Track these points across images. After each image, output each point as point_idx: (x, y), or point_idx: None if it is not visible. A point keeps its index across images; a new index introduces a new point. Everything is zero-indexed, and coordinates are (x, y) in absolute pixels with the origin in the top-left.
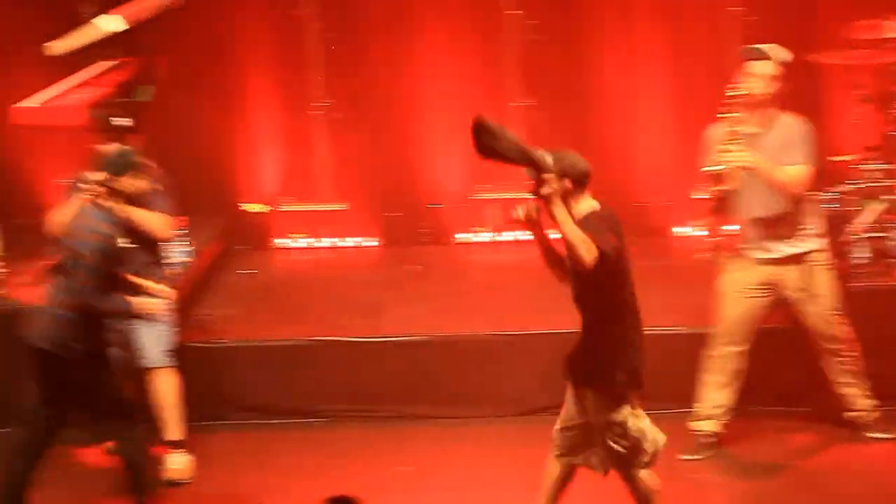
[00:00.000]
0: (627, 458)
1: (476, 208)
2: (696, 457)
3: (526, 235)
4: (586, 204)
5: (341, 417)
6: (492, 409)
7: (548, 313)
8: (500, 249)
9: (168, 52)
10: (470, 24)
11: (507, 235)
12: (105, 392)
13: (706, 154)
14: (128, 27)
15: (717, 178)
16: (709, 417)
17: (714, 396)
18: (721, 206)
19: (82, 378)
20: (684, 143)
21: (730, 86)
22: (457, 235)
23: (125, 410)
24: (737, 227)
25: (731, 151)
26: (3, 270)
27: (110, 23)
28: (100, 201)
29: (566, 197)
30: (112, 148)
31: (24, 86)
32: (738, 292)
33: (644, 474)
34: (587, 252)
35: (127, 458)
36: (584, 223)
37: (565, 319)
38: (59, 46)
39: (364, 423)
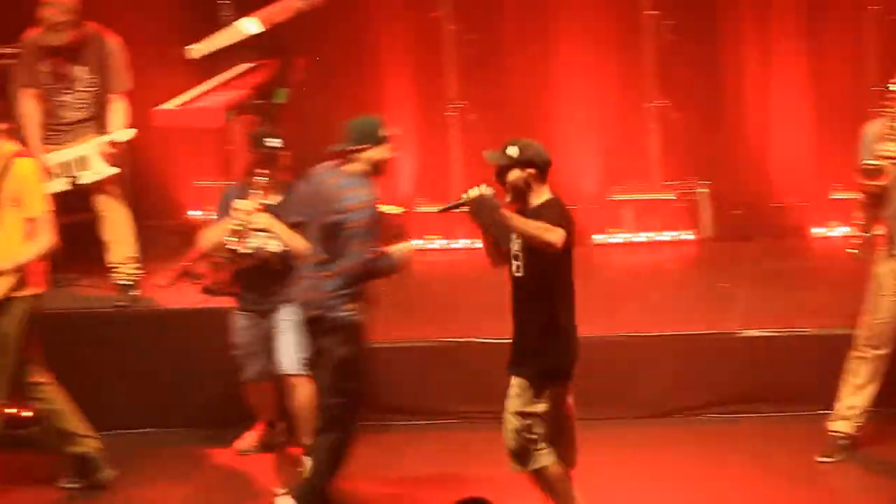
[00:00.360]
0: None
1: (613, 209)
2: (830, 459)
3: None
4: (545, 193)
5: (477, 418)
6: (627, 410)
7: (684, 313)
8: (637, 251)
9: (306, 53)
10: (606, 24)
11: (644, 236)
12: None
13: (862, 150)
14: (266, 29)
15: (873, 173)
16: (844, 418)
17: (851, 398)
18: (874, 203)
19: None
20: (821, 143)
21: (891, 81)
22: (594, 237)
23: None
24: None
25: (888, 147)
26: (139, 272)
27: (249, 25)
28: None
29: (530, 184)
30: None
31: (165, 88)
32: (887, 294)
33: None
34: (554, 235)
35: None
36: (542, 209)
37: (700, 320)
38: (198, 49)
39: (491, 424)
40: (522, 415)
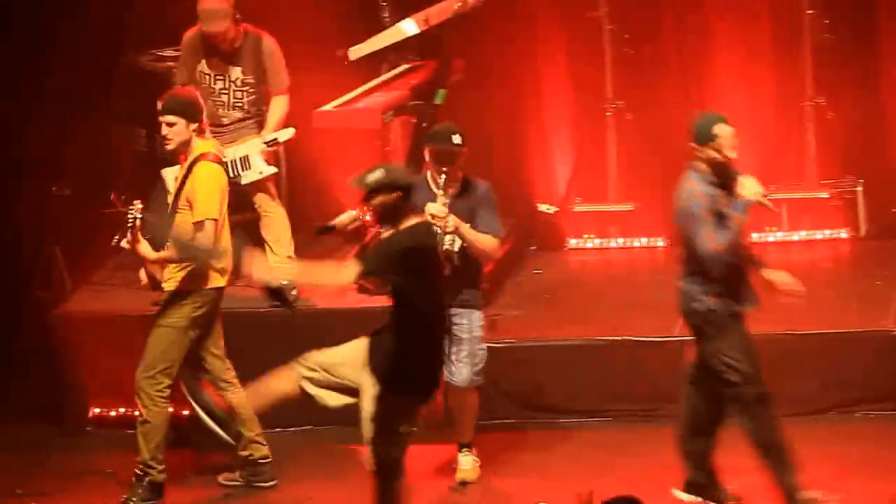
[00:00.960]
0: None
1: (767, 209)
2: None
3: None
4: (413, 217)
5: (623, 417)
6: (780, 407)
7: (839, 312)
8: (792, 249)
9: (464, 54)
10: (763, 23)
11: (799, 235)
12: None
13: None
14: (425, 31)
15: None
16: None
17: None
18: None
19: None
20: None
21: None
22: (752, 235)
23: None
24: None
25: None
26: None
27: (409, 26)
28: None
29: (397, 207)
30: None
31: (325, 89)
32: None
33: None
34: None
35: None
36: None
37: (855, 318)
38: (358, 50)
39: (647, 422)
40: None
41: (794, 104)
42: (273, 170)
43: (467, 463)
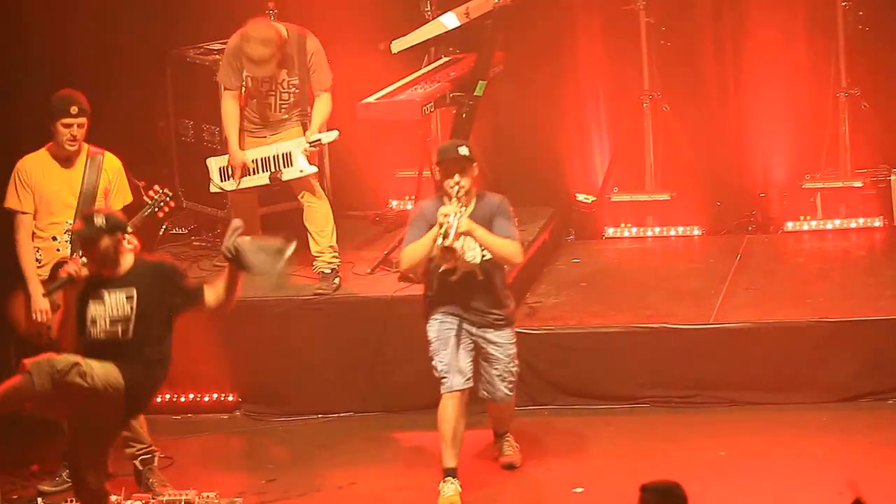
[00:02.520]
0: None
1: (805, 197)
2: None
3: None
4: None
5: (660, 403)
6: (815, 395)
7: (873, 300)
8: (829, 238)
9: (504, 47)
10: (798, 14)
11: (833, 224)
12: None
13: None
14: (466, 23)
15: None
16: None
17: None
18: None
19: None
20: None
21: None
22: (787, 224)
23: None
24: None
25: None
26: (339, 261)
27: (450, 19)
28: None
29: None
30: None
31: (368, 81)
32: None
33: None
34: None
35: None
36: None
37: (889, 306)
38: (400, 43)
39: (684, 408)
40: None
41: (828, 94)
42: (314, 170)
43: (509, 448)
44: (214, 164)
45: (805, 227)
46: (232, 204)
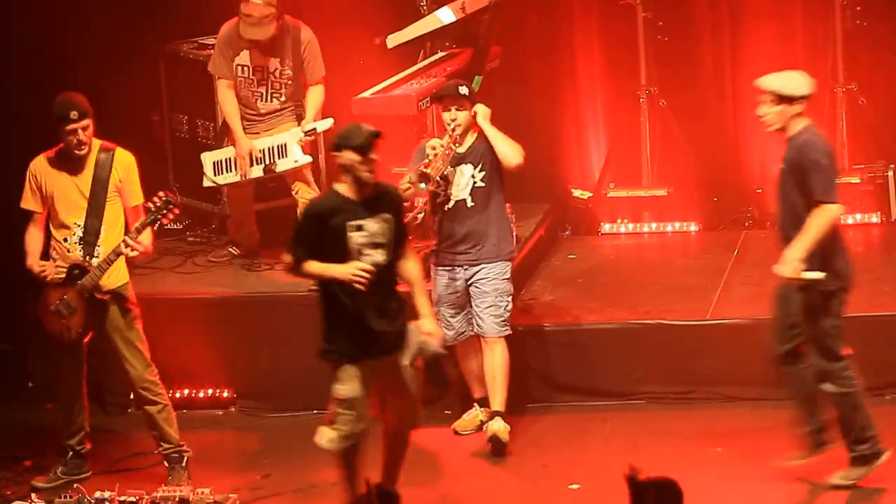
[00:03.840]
0: None
1: None
2: None
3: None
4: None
5: (657, 400)
6: None
7: (870, 296)
8: None
9: (500, 42)
10: (793, 9)
11: None
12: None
13: None
14: (462, 18)
15: None
16: None
17: None
18: None
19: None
20: None
21: None
22: None
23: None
24: None
25: None
26: None
27: (446, 14)
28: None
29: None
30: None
31: (363, 77)
32: None
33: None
34: None
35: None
36: None
37: (886, 302)
38: (396, 38)
39: (681, 404)
40: None
41: (825, 90)
42: (308, 159)
43: (499, 424)
44: (209, 158)
45: None
46: (228, 200)
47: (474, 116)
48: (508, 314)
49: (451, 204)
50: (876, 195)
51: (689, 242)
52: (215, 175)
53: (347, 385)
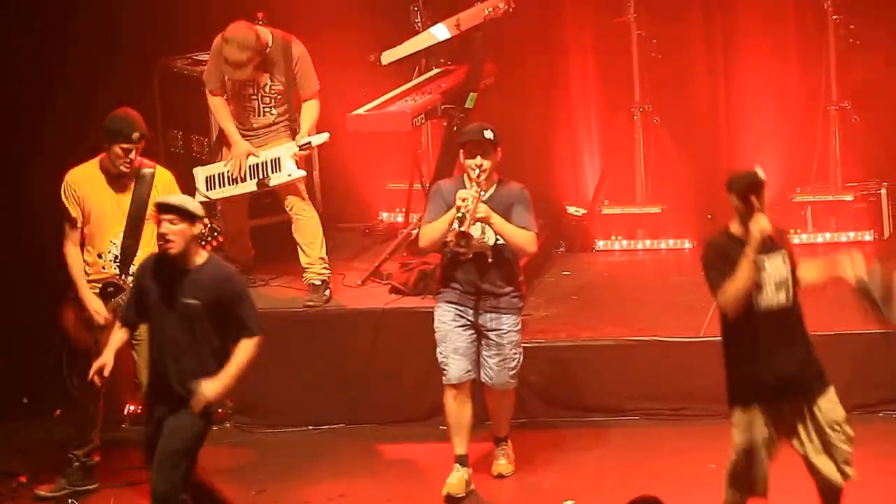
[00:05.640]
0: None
1: (795, 210)
2: None
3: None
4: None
5: (650, 416)
6: None
7: (863, 313)
8: (820, 251)
9: (495, 59)
10: (787, 28)
11: (823, 237)
12: None
13: None
14: (456, 35)
15: None
16: None
17: None
18: None
19: None
20: None
21: None
22: None
23: None
24: None
25: None
26: (327, 273)
27: (440, 31)
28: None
29: None
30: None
31: (358, 94)
32: None
33: None
34: None
35: None
36: None
37: None
38: (391, 55)
39: (674, 421)
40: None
41: (819, 108)
42: (302, 173)
43: (503, 457)
44: (201, 173)
45: (795, 241)
46: (222, 215)
47: (498, 160)
48: (519, 367)
49: (469, 255)
50: (869, 213)
51: (684, 259)
52: (208, 190)
53: None
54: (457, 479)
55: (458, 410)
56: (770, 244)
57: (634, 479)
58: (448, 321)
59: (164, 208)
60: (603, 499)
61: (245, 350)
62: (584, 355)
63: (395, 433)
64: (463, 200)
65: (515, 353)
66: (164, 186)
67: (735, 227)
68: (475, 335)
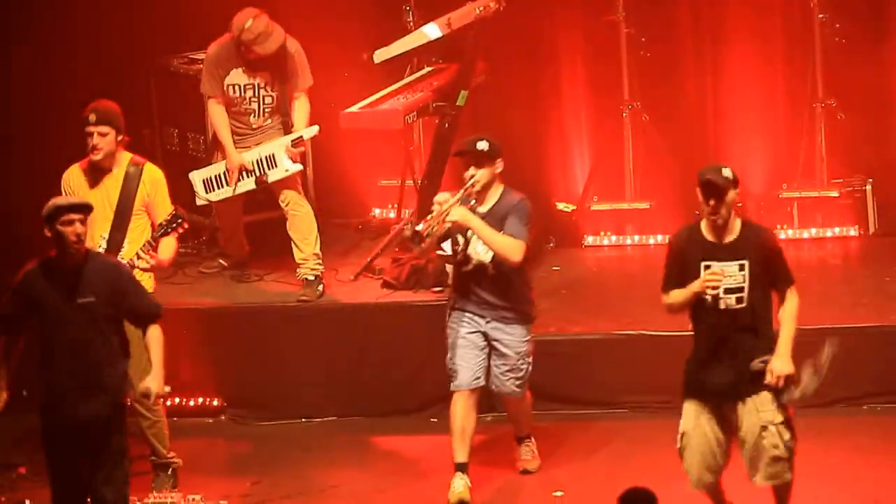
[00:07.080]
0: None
1: (782, 207)
2: None
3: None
4: None
5: (639, 409)
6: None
7: (850, 308)
8: (805, 247)
9: (486, 57)
10: (775, 26)
11: (809, 233)
12: None
13: None
14: (448, 34)
15: None
16: None
17: None
18: None
19: None
20: None
21: None
22: None
23: None
24: None
25: None
26: (321, 268)
27: (432, 30)
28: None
29: None
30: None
31: (350, 92)
32: None
33: None
34: None
35: None
36: None
37: (865, 313)
38: (383, 53)
39: (663, 413)
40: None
41: (805, 105)
42: (299, 167)
43: (527, 453)
44: (198, 177)
45: (782, 237)
46: (217, 212)
47: (496, 173)
48: (528, 375)
49: (469, 266)
50: (854, 209)
51: None
52: (207, 192)
53: None
54: (462, 485)
55: (464, 417)
56: (730, 252)
57: (623, 470)
58: (459, 328)
59: (74, 208)
60: (591, 490)
61: (158, 335)
62: (574, 349)
63: (387, 426)
64: (438, 203)
65: (523, 364)
66: (153, 182)
67: (704, 223)
68: (486, 343)
